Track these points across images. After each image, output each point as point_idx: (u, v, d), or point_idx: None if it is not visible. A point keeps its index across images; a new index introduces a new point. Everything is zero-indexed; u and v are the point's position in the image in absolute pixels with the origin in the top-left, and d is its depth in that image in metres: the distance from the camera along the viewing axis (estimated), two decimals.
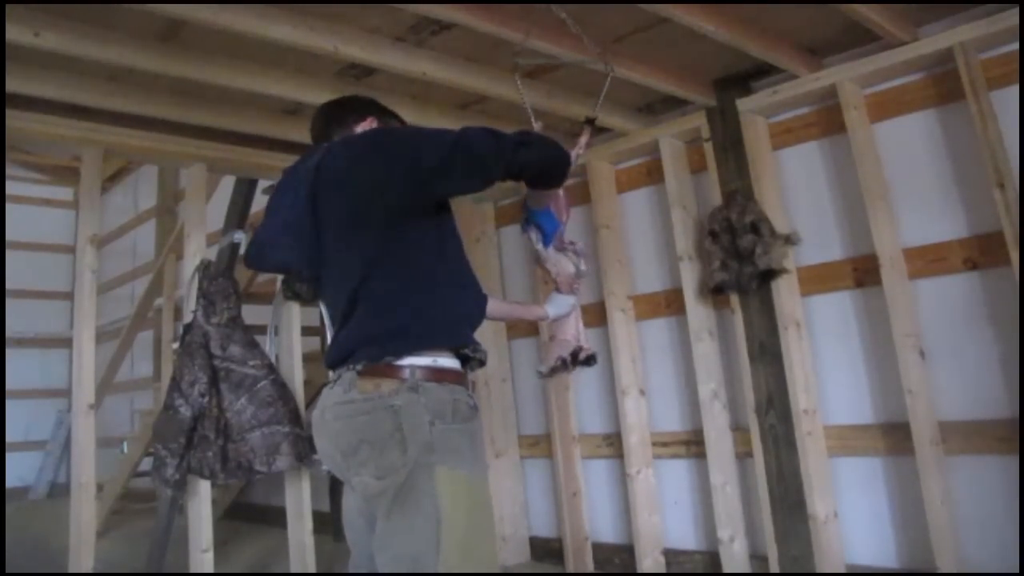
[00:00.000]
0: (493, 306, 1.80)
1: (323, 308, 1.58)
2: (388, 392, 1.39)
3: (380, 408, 1.39)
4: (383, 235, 1.43)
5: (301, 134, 2.98)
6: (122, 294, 6.17)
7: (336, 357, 1.47)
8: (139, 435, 4.11)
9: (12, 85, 2.32)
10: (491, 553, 1.42)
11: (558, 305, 1.95)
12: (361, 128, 1.62)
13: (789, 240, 2.75)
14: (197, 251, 2.85)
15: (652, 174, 3.29)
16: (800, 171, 2.90)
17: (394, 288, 1.43)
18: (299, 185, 1.52)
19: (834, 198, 2.81)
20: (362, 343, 1.42)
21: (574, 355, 1.91)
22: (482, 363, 1.54)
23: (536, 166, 1.53)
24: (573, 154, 1.91)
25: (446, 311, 1.46)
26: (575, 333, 1.94)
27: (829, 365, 2.77)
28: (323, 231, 1.48)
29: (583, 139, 1.93)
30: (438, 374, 1.42)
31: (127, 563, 3.48)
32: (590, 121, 1.99)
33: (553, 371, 1.94)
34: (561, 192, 1.89)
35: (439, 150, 1.40)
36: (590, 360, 1.93)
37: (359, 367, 1.41)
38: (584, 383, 3.44)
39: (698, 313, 2.98)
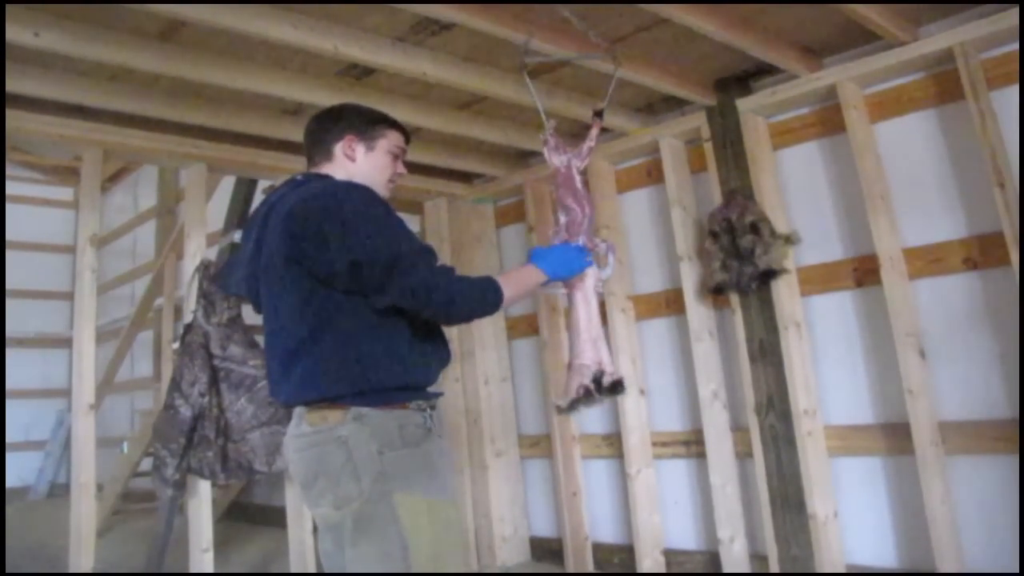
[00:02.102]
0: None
1: (265, 337, 1.57)
2: (334, 423, 1.41)
3: (329, 440, 1.41)
4: (313, 296, 1.44)
5: (301, 134, 2.97)
6: (122, 294, 6.17)
7: (284, 399, 1.50)
8: (139, 435, 4.11)
9: (12, 85, 2.32)
10: (461, 571, 1.44)
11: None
12: (340, 148, 1.59)
13: (789, 240, 2.75)
14: (197, 251, 2.85)
15: (652, 174, 3.29)
16: (800, 171, 2.90)
17: (330, 346, 1.42)
18: (257, 222, 1.56)
19: (834, 198, 2.81)
20: (303, 395, 1.44)
21: (597, 382, 1.69)
22: (432, 407, 1.51)
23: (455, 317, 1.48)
24: (585, 147, 1.90)
25: (379, 377, 1.43)
26: (594, 355, 1.71)
27: (829, 365, 2.77)
28: (262, 273, 1.52)
29: (593, 131, 1.92)
30: (381, 403, 1.42)
31: (127, 563, 3.47)
32: (598, 113, 1.99)
33: (574, 404, 1.69)
34: (579, 183, 1.84)
35: (387, 269, 1.38)
36: (616, 387, 1.71)
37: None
38: None
39: (698, 313, 2.98)
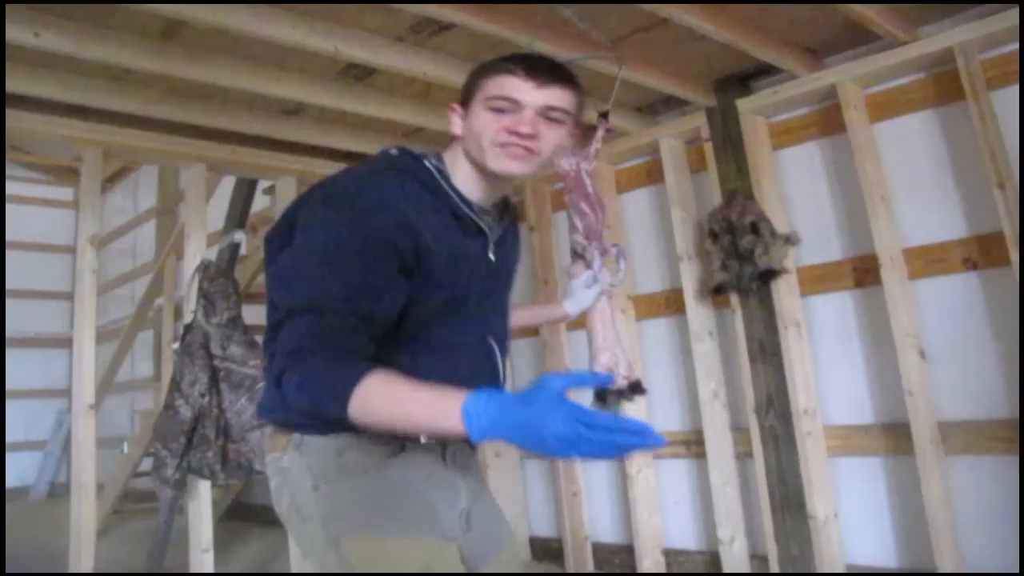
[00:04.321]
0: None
1: None
2: (279, 452, 1.18)
3: (276, 473, 1.18)
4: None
5: (301, 134, 2.99)
6: (122, 294, 6.16)
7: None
8: (139, 435, 4.11)
9: (12, 85, 2.32)
10: None
11: (577, 298, 1.63)
12: (452, 118, 1.25)
13: (789, 240, 2.75)
14: (197, 251, 2.85)
15: (652, 174, 3.29)
16: (800, 171, 2.90)
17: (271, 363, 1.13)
18: None
19: (834, 198, 2.81)
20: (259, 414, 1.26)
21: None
22: None
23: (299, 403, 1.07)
24: (592, 149, 1.85)
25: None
26: (608, 362, 1.64)
27: (829, 365, 2.77)
28: None
29: (599, 133, 1.92)
30: (324, 423, 1.11)
31: (127, 563, 3.47)
32: (604, 115, 1.99)
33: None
34: (590, 186, 1.81)
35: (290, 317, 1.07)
36: (631, 391, 1.62)
37: None
38: None
39: (698, 313, 2.98)
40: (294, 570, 2.86)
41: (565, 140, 1.24)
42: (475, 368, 1.25)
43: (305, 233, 1.12)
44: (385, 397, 1.00)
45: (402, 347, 1.15)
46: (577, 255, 1.73)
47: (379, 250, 1.08)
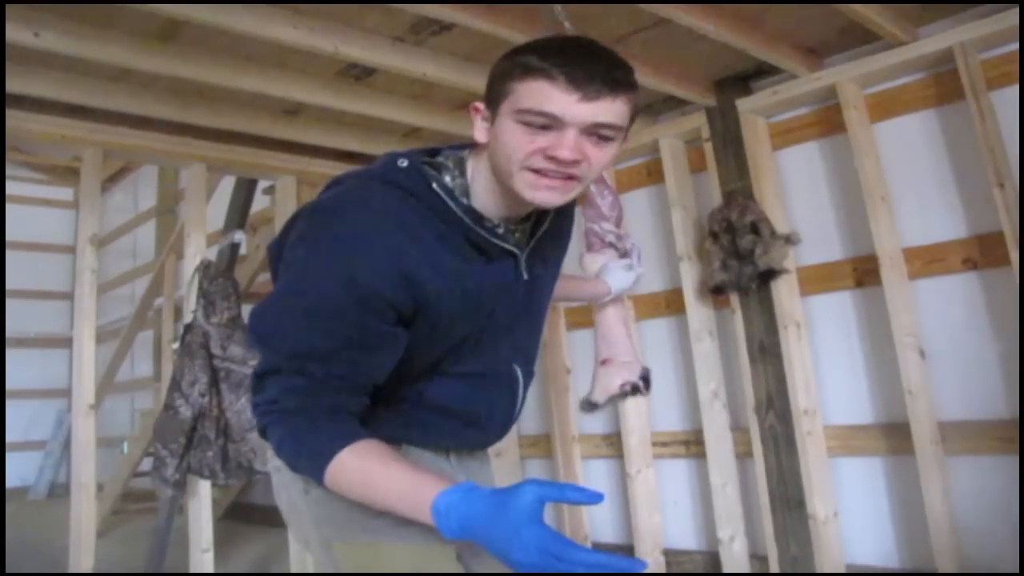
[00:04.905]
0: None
1: None
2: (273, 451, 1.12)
3: (274, 471, 1.16)
4: None
5: (301, 134, 2.99)
6: (122, 294, 6.17)
7: None
8: (139, 435, 4.11)
9: (12, 85, 2.32)
10: None
11: (619, 278, 1.59)
12: (475, 120, 1.07)
13: (789, 240, 2.75)
14: (197, 251, 2.85)
15: (652, 174, 3.29)
16: (800, 171, 2.90)
17: None
18: None
19: (834, 198, 2.81)
20: None
21: (645, 379, 1.66)
22: None
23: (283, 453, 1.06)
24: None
25: None
26: (634, 352, 1.68)
27: (829, 365, 2.77)
28: None
29: None
30: None
31: (127, 563, 3.47)
32: None
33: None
34: (608, 181, 1.78)
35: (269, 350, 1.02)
36: (640, 388, 1.70)
37: None
38: (584, 383, 3.43)
39: (698, 313, 2.98)
40: (294, 570, 2.86)
41: (614, 157, 1.02)
42: (491, 400, 1.19)
43: (289, 276, 1.01)
44: (358, 479, 0.97)
45: (412, 379, 1.10)
46: (606, 243, 1.72)
47: (369, 306, 0.96)
